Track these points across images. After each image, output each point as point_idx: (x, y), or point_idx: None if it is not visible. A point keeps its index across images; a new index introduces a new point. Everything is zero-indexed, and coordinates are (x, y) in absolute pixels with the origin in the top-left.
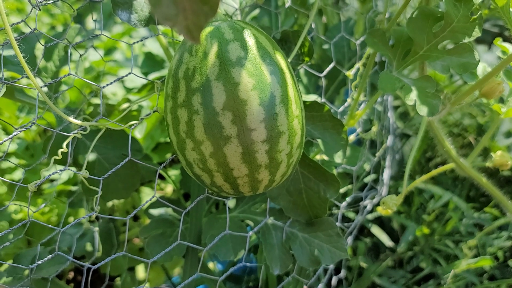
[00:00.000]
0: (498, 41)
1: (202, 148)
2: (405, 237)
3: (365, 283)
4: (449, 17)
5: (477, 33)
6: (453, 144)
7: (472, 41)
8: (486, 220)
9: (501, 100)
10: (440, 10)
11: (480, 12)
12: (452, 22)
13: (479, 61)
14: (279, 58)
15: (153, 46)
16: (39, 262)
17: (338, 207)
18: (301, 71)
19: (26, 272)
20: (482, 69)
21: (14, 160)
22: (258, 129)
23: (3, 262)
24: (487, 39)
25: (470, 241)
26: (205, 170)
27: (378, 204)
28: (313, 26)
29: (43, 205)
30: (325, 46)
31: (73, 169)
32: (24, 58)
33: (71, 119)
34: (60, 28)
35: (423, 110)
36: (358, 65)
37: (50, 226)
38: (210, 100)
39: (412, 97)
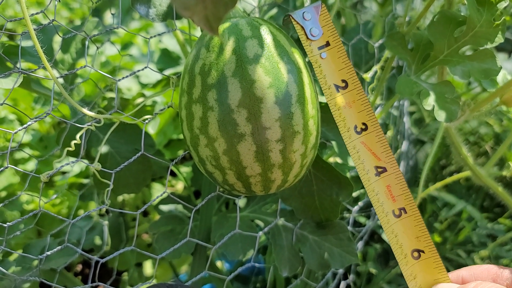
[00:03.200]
0: None
1: (215, 145)
2: None
3: None
4: (472, 22)
5: (500, 39)
6: (469, 153)
7: (493, 48)
8: (500, 231)
9: None
10: (462, 14)
11: (503, 17)
12: (474, 27)
13: (501, 67)
14: (297, 57)
15: (170, 43)
16: (48, 252)
17: (350, 211)
18: None
19: (35, 262)
20: (502, 76)
21: (28, 151)
22: (273, 127)
23: (13, 251)
24: (507, 48)
25: (482, 252)
26: (218, 168)
27: None
28: None
29: (55, 196)
30: None
31: (86, 161)
32: (41, 49)
33: (85, 110)
34: (78, 23)
35: (441, 116)
36: (376, 68)
37: (60, 217)
38: (226, 96)
39: (430, 102)
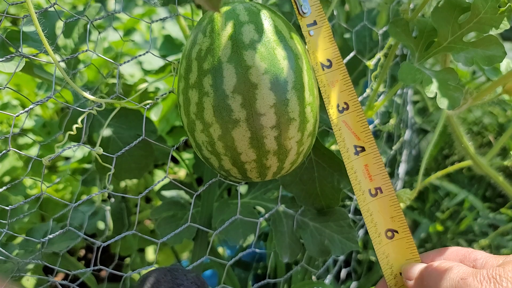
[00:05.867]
0: None
1: (211, 130)
2: (418, 234)
3: (374, 277)
4: (477, 8)
5: (505, 25)
6: (472, 143)
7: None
8: (501, 221)
9: None
10: (466, 0)
11: (508, 4)
12: (479, 13)
13: (505, 53)
14: (295, 43)
15: (173, 29)
16: (51, 236)
17: (351, 199)
18: None
19: (38, 246)
20: (506, 65)
21: (31, 137)
22: (267, 114)
23: (17, 234)
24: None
25: (483, 241)
26: (214, 153)
27: None
28: (334, 13)
29: (57, 180)
30: (346, 36)
31: (88, 146)
32: (43, 32)
33: (86, 94)
34: (81, 9)
35: (443, 103)
36: (379, 55)
37: (62, 201)
38: (221, 82)
39: (433, 89)
